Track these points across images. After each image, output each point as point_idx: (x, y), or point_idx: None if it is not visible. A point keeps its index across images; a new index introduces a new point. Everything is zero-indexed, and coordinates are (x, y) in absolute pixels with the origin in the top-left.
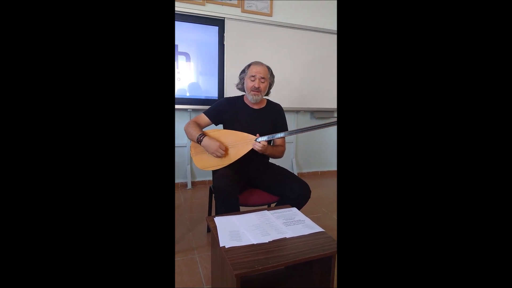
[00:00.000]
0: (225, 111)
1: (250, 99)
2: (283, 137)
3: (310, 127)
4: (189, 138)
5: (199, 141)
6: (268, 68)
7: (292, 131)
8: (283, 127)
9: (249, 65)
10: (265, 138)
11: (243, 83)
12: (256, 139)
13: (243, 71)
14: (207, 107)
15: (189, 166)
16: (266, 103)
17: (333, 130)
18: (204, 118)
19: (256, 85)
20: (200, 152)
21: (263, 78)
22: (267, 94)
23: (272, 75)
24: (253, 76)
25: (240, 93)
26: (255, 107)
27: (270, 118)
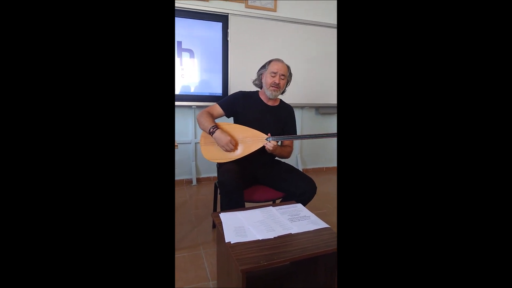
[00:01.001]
0: (239, 104)
1: (269, 94)
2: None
3: (322, 135)
4: (200, 128)
5: (211, 133)
6: (288, 67)
7: (303, 135)
8: (293, 128)
9: (269, 62)
10: (277, 138)
11: (261, 79)
12: (268, 138)
13: (263, 67)
14: (211, 103)
15: (194, 162)
16: (279, 103)
17: None
18: (218, 109)
19: (277, 81)
20: (209, 143)
21: (283, 75)
22: (282, 93)
23: (290, 74)
24: (274, 73)
25: (253, 89)
26: (269, 103)
27: (281, 117)
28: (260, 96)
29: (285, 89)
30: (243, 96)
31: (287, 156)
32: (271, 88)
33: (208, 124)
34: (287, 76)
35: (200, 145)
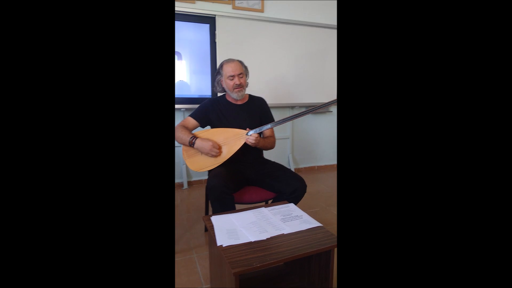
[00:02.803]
0: (211, 111)
1: (235, 96)
2: (272, 128)
3: (300, 113)
4: (179, 143)
5: (191, 144)
6: (240, 62)
7: (281, 120)
8: (269, 119)
9: (221, 65)
10: (257, 130)
11: (221, 84)
12: (247, 133)
13: (218, 73)
14: None
15: (185, 166)
16: (249, 98)
17: (329, 125)
18: (192, 121)
19: (237, 82)
20: (192, 154)
21: (240, 73)
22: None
23: (246, 68)
24: (231, 76)
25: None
26: (239, 102)
27: (255, 112)
28: (228, 99)
29: (247, 83)
30: (211, 102)
31: (272, 147)
32: (235, 90)
33: (186, 137)
34: (244, 71)
35: (184, 159)
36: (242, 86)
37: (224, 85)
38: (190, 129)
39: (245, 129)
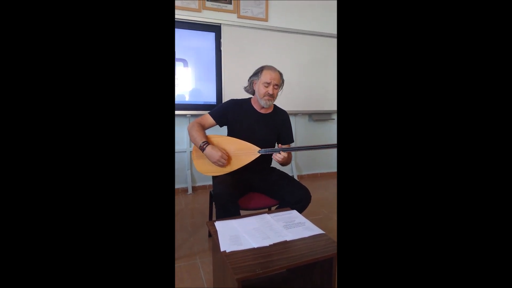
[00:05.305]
0: (231, 112)
1: (263, 104)
2: (289, 144)
3: (315, 146)
4: (191, 141)
5: (202, 149)
6: (280, 74)
7: (293, 148)
8: (288, 135)
9: (262, 69)
10: (267, 150)
11: (253, 86)
12: (259, 151)
13: (255, 74)
14: (206, 112)
15: (189, 171)
16: (273, 109)
17: (331, 132)
18: (209, 119)
19: (271, 92)
20: (201, 156)
21: (276, 85)
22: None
23: (282, 81)
24: (267, 83)
25: (247, 96)
26: (262, 111)
27: (275, 124)
28: (253, 104)
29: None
30: (234, 104)
31: (289, 162)
32: (265, 98)
33: (199, 139)
34: (280, 84)
35: (193, 159)
36: (273, 97)
37: (256, 88)
38: (206, 128)
39: (259, 140)
